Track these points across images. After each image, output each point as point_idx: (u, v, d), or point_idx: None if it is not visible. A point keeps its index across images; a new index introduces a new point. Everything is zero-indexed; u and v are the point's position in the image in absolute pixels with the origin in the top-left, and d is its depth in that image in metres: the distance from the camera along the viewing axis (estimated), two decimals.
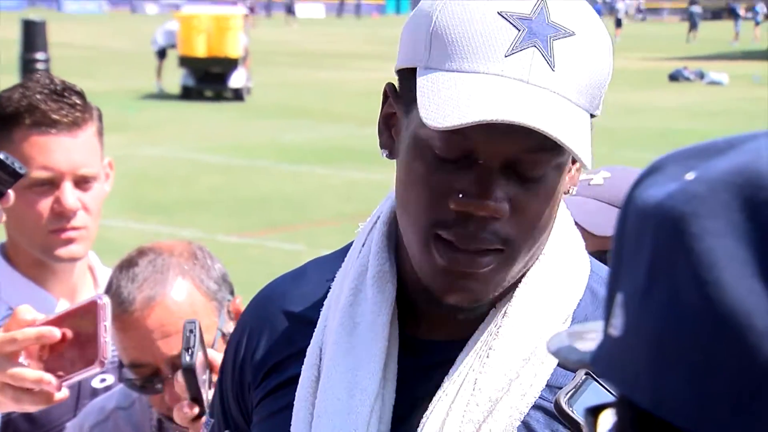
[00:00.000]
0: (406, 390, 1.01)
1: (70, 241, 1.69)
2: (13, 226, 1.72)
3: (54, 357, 1.23)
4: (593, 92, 0.94)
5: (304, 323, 1.08)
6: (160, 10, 48.80)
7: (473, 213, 0.93)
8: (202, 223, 8.34)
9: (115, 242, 6.58)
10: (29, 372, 1.22)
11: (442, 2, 0.94)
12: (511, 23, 0.91)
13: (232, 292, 1.55)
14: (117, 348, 1.52)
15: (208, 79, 17.41)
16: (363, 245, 1.06)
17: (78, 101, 1.69)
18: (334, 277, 1.09)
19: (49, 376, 1.22)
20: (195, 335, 1.24)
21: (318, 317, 1.07)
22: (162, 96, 17.57)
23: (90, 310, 1.22)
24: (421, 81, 0.92)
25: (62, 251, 1.69)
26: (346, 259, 1.09)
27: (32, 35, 12.39)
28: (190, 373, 1.24)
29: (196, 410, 1.29)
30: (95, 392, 1.71)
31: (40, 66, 12.08)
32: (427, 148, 0.94)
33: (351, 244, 1.11)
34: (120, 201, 8.95)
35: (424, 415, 0.98)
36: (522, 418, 0.98)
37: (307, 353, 1.05)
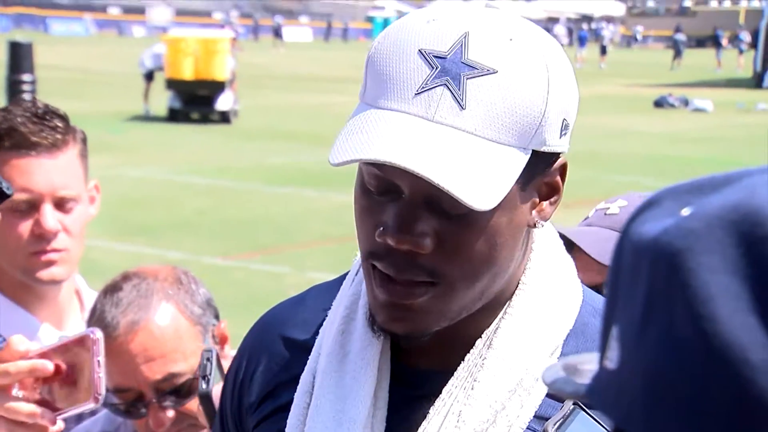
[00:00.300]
0: (397, 420, 1.01)
1: (50, 263, 1.69)
2: None
3: (48, 390, 1.22)
4: (522, 128, 0.92)
5: (301, 350, 1.08)
6: (147, 33, 48.92)
7: (393, 245, 0.94)
8: (188, 245, 8.32)
9: (99, 264, 6.55)
10: (24, 406, 1.21)
11: (381, 36, 0.96)
12: (427, 61, 0.92)
13: (217, 317, 1.55)
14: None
15: (195, 101, 17.42)
16: (356, 273, 1.07)
17: (59, 124, 1.70)
18: (332, 304, 1.09)
19: (43, 410, 1.21)
20: (212, 363, 1.23)
21: (313, 343, 1.07)
22: (149, 118, 17.57)
23: (83, 344, 1.22)
24: (354, 115, 0.94)
25: (43, 273, 1.69)
26: (344, 284, 1.09)
27: (19, 57, 12.38)
28: (206, 400, 1.23)
29: None
30: (80, 416, 1.69)
31: (26, 87, 12.07)
32: (362, 182, 0.97)
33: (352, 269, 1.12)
34: (105, 222, 8.92)
35: None
36: None
37: (300, 380, 1.05)
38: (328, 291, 1.11)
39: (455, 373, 1.00)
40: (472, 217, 0.94)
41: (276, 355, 1.10)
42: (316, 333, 1.08)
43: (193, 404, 1.48)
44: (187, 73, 17.41)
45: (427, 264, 0.95)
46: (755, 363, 0.44)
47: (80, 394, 1.21)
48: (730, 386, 0.45)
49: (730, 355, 0.45)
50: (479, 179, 0.90)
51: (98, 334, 1.22)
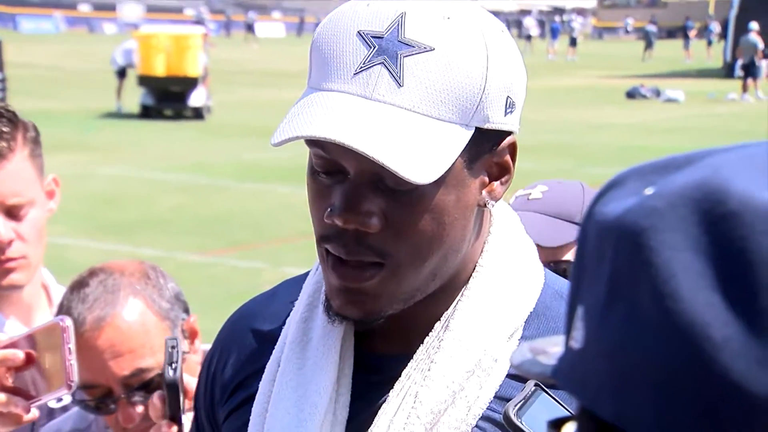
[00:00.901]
0: (360, 405, 1.02)
1: (9, 271, 1.67)
2: None
3: (20, 379, 1.22)
4: (462, 105, 0.93)
5: (268, 341, 1.09)
6: (119, 30, 48.50)
7: (341, 225, 0.95)
8: (163, 242, 8.28)
9: (73, 262, 6.50)
10: None
11: (323, 22, 0.98)
12: (365, 41, 0.93)
13: (186, 311, 1.54)
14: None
15: (168, 98, 17.31)
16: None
17: (4, 129, 1.64)
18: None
19: (17, 399, 1.20)
20: (177, 351, 1.23)
21: (280, 334, 1.08)
22: (121, 115, 17.44)
23: (53, 332, 1.21)
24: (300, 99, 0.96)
25: (2, 281, 1.68)
26: (310, 275, 1.10)
27: None
28: (173, 389, 1.22)
29: (175, 429, 1.27)
30: (51, 413, 1.68)
31: None
32: (311, 166, 0.98)
33: None
34: (80, 221, 8.85)
35: (368, 430, 0.99)
36: (469, 430, 0.98)
37: (266, 369, 1.06)
38: (296, 284, 1.12)
39: (414, 355, 1.01)
40: (417, 195, 0.95)
41: (245, 347, 1.11)
42: (284, 324, 1.08)
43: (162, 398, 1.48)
44: (160, 70, 17.29)
45: (375, 244, 0.95)
46: (718, 341, 0.45)
47: (53, 381, 1.20)
48: (694, 364, 0.45)
49: (693, 333, 0.45)
50: (418, 154, 0.91)
51: (68, 321, 1.22)
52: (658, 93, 22.70)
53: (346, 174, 0.95)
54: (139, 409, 1.45)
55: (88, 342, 1.44)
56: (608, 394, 0.48)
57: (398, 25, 0.93)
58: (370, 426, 0.99)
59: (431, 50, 0.92)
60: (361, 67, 0.92)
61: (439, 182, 0.93)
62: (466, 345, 0.99)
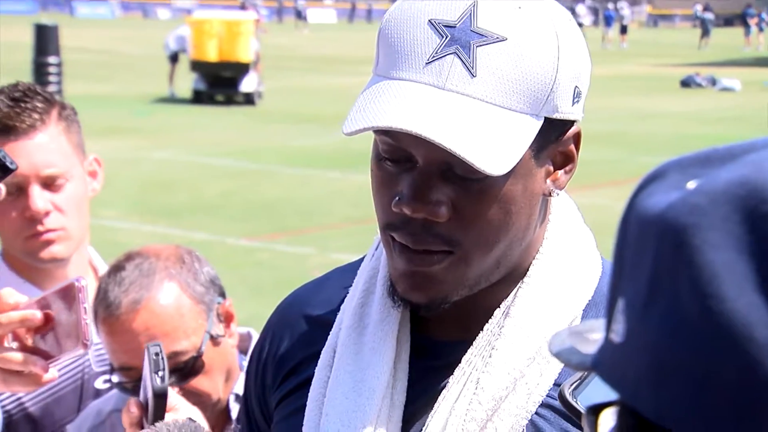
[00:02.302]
0: (417, 390, 1.02)
1: (48, 243, 1.70)
2: (0, 236, 1.74)
3: (39, 339, 1.25)
4: (533, 95, 0.93)
5: (322, 326, 1.10)
6: (172, 15, 49.00)
7: (409, 214, 0.95)
8: (212, 226, 8.36)
9: (124, 245, 6.59)
10: (16, 355, 1.23)
11: (392, 8, 0.97)
12: (437, 31, 0.93)
13: (222, 295, 1.55)
14: (107, 351, 1.53)
15: (220, 83, 17.45)
16: (376, 248, 1.08)
17: (39, 104, 1.69)
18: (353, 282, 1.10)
19: (35, 358, 1.23)
20: (163, 358, 1.21)
21: (335, 320, 1.09)
22: (173, 100, 17.63)
23: (69, 292, 1.24)
24: (368, 86, 0.95)
25: (43, 253, 1.70)
26: (364, 261, 1.11)
27: (45, 39, 12.45)
28: (160, 397, 1.19)
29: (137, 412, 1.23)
30: (98, 393, 1.71)
31: (52, 70, 12.14)
32: (378, 153, 0.98)
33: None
34: (131, 204, 8.98)
35: (429, 415, 0.99)
36: (530, 417, 0.98)
37: (321, 354, 1.07)
38: (349, 271, 1.13)
39: (474, 342, 1.01)
40: (486, 185, 0.95)
41: (298, 333, 1.12)
42: (338, 310, 1.09)
43: (198, 382, 1.49)
44: (212, 55, 17.44)
45: (443, 232, 0.96)
46: (761, 341, 0.44)
47: (70, 341, 1.23)
48: (736, 365, 0.45)
49: (735, 333, 0.44)
50: (491, 145, 0.91)
51: (83, 281, 1.23)
52: (713, 82, 22.34)
53: (414, 162, 0.95)
54: (174, 391, 1.47)
55: (124, 325, 1.46)
56: (648, 388, 0.47)
57: (470, 14, 0.93)
58: (428, 410, 1.00)
59: (504, 40, 0.92)
60: (434, 57, 0.92)
61: (508, 172, 0.94)
62: (527, 332, 1.00)
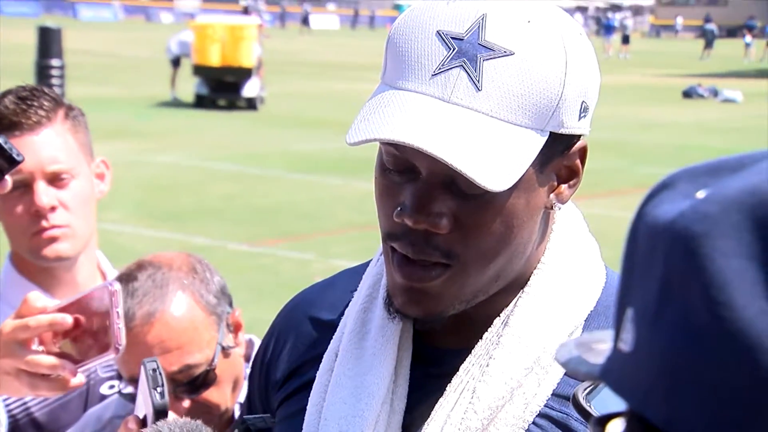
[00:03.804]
0: (417, 397, 1.02)
1: (53, 240, 1.68)
2: (7, 235, 1.74)
3: (68, 343, 1.23)
4: (539, 110, 0.92)
5: (326, 329, 1.10)
6: (175, 19, 49.03)
7: (410, 225, 0.95)
8: (214, 231, 8.36)
9: (126, 248, 6.60)
10: (44, 358, 1.22)
11: (402, 17, 0.97)
12: (445, 43, 0.92)
13: (230, 304, 1.54)
14: (117, 362, 1.52)
15: (222, 88, 17.46)
16: (381, 253, 1.08)
17: (45, 102, 1.70)
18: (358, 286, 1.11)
19: (64, 362, 1.21)
20: (161, 373, 1.19)
21: (338, 322, 1.09)
22: (176, 104, 17.64)
23: (101, 296, 1.22)
24: (374, 95, 0.95)
25: (47, 251, 1.68)
26: (369, 266, 1.11)
27: (48, 42, 12.46)
28: (161, 414, 1.17)
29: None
30: (103, 399, 1.70)
31: (55, 72, 12.14)
32: (382, 163, 0.97)
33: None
34: (133, 207, 8.98)
35: (425, 423, 0.99)
36: (526, 427, 0.98)
37: (323, 358, 1.07)
38: (356, 274, 1.13)
39: (473, 351, 1.01)
40: (488, 198, 0.94)
41: (303, 334, 1.12)
42: (342, 313, 1.09)
43: (209, 394, 1.48)
44: (214, 60, 17.45)
45: (442, 245, 0.96)
46: None
47: (100, 345, 1.21)
48: (747, 372, 0.45)
49: (747, 341, 0.44)
50: (494, 160, 0.90)
51: (116, 285, 1.22)
52: (715, 93, 22.33)
53: (418, 173, 0.95)
54: (186, 403, 1.46)
55: (138, 337, 1.44)
56: (658, 397, 0.47)
57: (479, 27, 0.92)
58: (427, 418, 1.00)
59: (511, 54, 0.92)
60: (440, 69, 0.92)
61: (511, 187, 0.93)
62: (526, 342, 0.99)
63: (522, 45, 0.92)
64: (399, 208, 0.95)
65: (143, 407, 1.21)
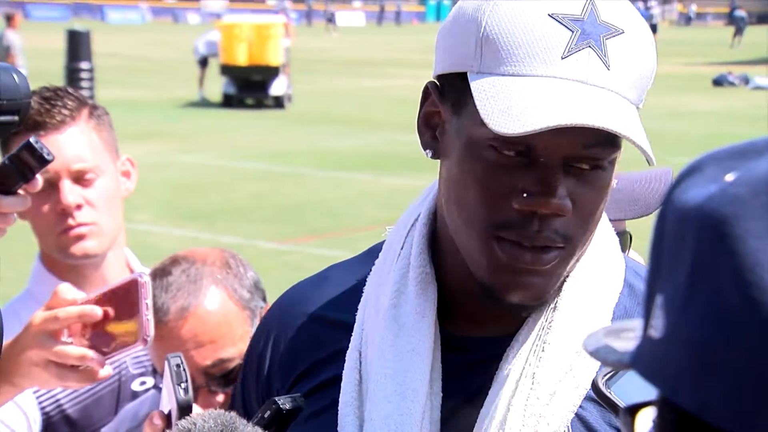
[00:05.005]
0: (451, 387, 1.01)
1: (80, 238, 1.69)
2: (35, 234, 1.75)
3: (97, 335, 1.24)
4: (641, 87, 0.95)
5: (334, 327, 1.08)
6: (202, 20, 49.32)
7: (538, 211, 0.93)
8: (243, 229, 8.40)
9: (155, 248, 6.64)
10: (73, 349, 1.23)
11: (488, 6, 0.94)
12: (564, 25, 0.91)
13: (264, 299, 1.55)
14: (151, 356, 1.52)
15: (250, 87, 17.54)
16: (402, 248, 1.07)
17: (69, 102, 1.71)
18: (362, 280, 1.09)
19: (92, 353, 1.22)
20: (183, 369, 1.17)
21: (350, 320, 1.07)
22: (204, 104, 17.75)
23: (131, 288, 1.22)
24: (477, 85, 0.92)
25: (75, 249, 1.70)
26: (379, 261, 1.09)
27: (77, 45, 12.59)
28: (185, 410, 1.15)
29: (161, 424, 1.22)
30: (135, 395, 1.72)
31: (84, 75, 12.27)
32: (485, 149, 0.94)
33: (374, 247, 1.12)
34: (162, 207, 9.05)
35: (481, 412, 0.99)
36: (576, 410, 0.98)
37: (347, 357, 1.05)
38: (351, 268, 1.12)
39: (519, 337, 1.00)
40: (600, 178, 0.95)
41: (304, 334, 1.10)
42: (349, 309, 1.07)
43: None
44: (242, 59, 17.54)
45: (561, 228, 0.95)
46: None
47: (129, 337, 1.21)
48: None
49: None
50: (643, 134, 0.92)
51: (146, 277, 1.22)
52: (746, 80, 22.11)
53: (533, 158, 0.93)
54: (220, 397, 1.47)
55: (172, 331, 1.45)
56: (689, 382, 0.47)
57: (592, 8, 0.93)
58: (468, 407, 1.00)
59: (622, 33, 0.93)
60: (569, 51, 0.91)
61: (613, 165, 0.95)
62: (576, 325, 0.99)
63: (629, 23, 0.94)
64: (524, 195, 0.93)
65: (168, 403, 1.21)
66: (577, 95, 0.90)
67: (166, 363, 1.20)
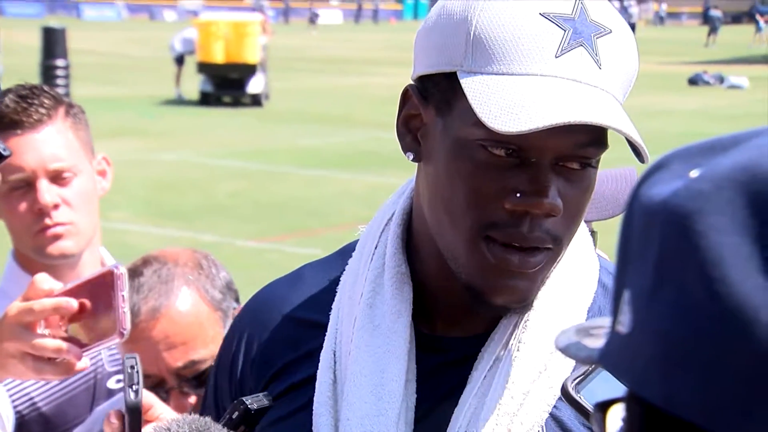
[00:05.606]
0: (427, 388, 1.02)
1: (57, 238, 1.69)
2: (10, 234, 1.74)
3: (75, 327, 1.22)
4: (626, 87, 0.96)
5: (308, 326, 1.08)
6: (179, 17, 49.02)
7: (530, 212, 0.93)
8: (221, 228, 8.37)
9: (134, 247, 6.60)
10: (50, 342, 1.21)
11: (478, 5, 0.94)
12: (556, 24, 0.92)
13: (237, 300, 1.54)
14: (122, 356, 1.51)
15: (227, 85, 17.46)
16: (376, 247, 1.06)
17: (46, 101, 1.70)
18: (336, 279, 1.08)
19: (69, 345, 1.21)
20: (138, 371, 1.17)
21: (324, 320, 1.06)
22: (181, 102, 17.65)
23: (106, 280, 1.21)
24: (469, 84, 0.92)
25: (51, 248, 1.69)
26: (353, 261, 1.08)
27: (52, 42, 12.48)
28: (134, 412, 1.14)
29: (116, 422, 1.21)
30: (111, 393, 1.71)
31: (60, 73, 12.16)
32: (475, 149, 0.94)
33: (347, 247, 1.11)
34: (140, 206, 8.99)
35: (455, 411, 0.99)
36: (550, 410, 0.99)
37: (321, 357, 1.05)
38: (324, 267, 1.11)
39: (495, 336, 1.00)
40: (588, 177, 0.96)
41: (278, 334, 1.09)
42: (323, 309, 1.07)
43: None
44: (219, 57, 17.45)
45: (551, 228, 0.95)
46: (767, 323, 0.44)
47: (106, 329, 1.20)
48: (744, 348, 0.45)
49: (742, 316, 0.44)
50: (639, 135, 0.92)
51: (122, 269, 1.21)
52: (721, 80, 22.25)
53: (524, 158, 0.93)
54: (192, 399, 1.46)
55: (143, 332, 1.44)
56: (656, 377, 0.47)
57: (582, 7, 0.93)
58: (444, 407, 0.99)
59: (611, 32, 0.94)
60: (562, 50, 0.91)
61: (598, 164, 0.96)
62: (551, 325, 0.99)
63: (615, 23, 0.95)
64: (517, 195, 0.93)
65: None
66: (574, 94, 0.91)
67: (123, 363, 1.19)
